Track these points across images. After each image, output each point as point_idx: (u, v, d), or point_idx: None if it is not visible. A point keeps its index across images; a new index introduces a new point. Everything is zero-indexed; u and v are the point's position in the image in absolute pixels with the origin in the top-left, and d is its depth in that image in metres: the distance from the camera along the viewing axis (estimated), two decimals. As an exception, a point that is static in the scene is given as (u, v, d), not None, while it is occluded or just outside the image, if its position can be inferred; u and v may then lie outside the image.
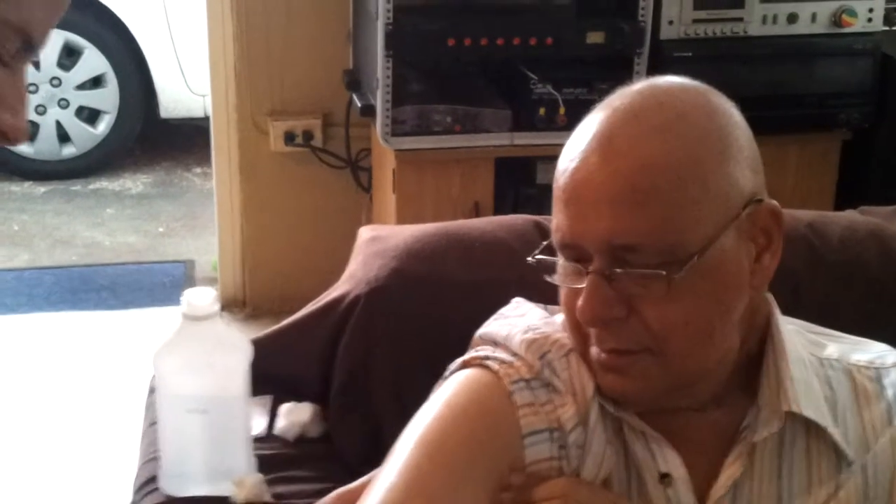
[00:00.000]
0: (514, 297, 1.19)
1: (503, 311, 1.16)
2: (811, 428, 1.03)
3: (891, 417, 1.05)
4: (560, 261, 1.00)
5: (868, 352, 1.10)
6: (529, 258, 1.03)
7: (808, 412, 1.02)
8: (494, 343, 1.10)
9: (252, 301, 3.17)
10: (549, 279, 1.02)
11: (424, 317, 1.37)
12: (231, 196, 3.11)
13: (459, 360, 1.10)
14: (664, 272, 0.94)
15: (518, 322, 1.11)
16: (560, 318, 1.12)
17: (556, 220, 0.99)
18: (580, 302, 0.97)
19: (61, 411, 2.76)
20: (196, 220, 3.87)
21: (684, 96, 1.00)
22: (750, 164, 1.00)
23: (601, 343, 0.99)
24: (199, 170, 4.28)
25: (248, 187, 3.07)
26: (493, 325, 1.13)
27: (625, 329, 0.97)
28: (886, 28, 2.67)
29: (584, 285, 0.97)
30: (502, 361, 1.06)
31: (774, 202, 1.01)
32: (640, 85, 1.02)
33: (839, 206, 2.46)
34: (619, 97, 1.00)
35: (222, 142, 3.08)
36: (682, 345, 0.97)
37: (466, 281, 1.37)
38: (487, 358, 1.07)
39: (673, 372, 0.99)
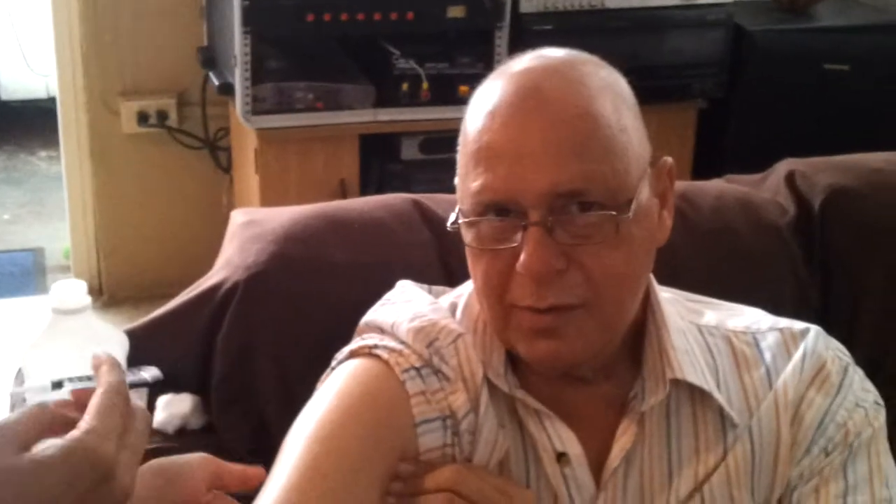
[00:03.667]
0: (397, 278, 1.17)
1: (389, 296, 1.14)
2: (696, 394, 1.05)
3: (771, 381, 1.07)
4: (483, 223, 0.97)
5: (743, 317, 1.12)
6: (449, 226, 1.01)
7: (692, 378, 1.04)
8: (381, 331, 1.08)
9: (109, 289, 3.08)
10: (469, 245, 0.99)
11: (306, 301, 1.33)
12: (82, 180, 3.00)
13: (346, 350, 1.07)
14: (615, 212, 0.94)
15: (404, 308, 1.09)
16: (447, 300, 1.11)
17: (483, 181, 0.96)
18: (524, 256, 0.94)
19: None
20: (43, 207, 3.72)
21: (588, 59, 1.02)
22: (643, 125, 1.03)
23: (540, 301, 0.96)
24: (44, 153, 4.11)
25: (100, 171, 2.97)
26: (380, 312, 1.11)
27: (564, 282, 0.95)
28: (738, -1, 2.75)
29: (516, 244, 0.95)
30: (391, 350, 1.04)
31: (671, 159, 1.04)
32: (534, 53, 1.02)
33: (697, 175, 2.53)
34: (524, 61, 1.01)
35: (70, 124, 2.96)
36: (617, 295, 0.98)
37: (348, 263, 1.35)
38: (376, 346, 1.05)
39: (605, 326, 0.99)
